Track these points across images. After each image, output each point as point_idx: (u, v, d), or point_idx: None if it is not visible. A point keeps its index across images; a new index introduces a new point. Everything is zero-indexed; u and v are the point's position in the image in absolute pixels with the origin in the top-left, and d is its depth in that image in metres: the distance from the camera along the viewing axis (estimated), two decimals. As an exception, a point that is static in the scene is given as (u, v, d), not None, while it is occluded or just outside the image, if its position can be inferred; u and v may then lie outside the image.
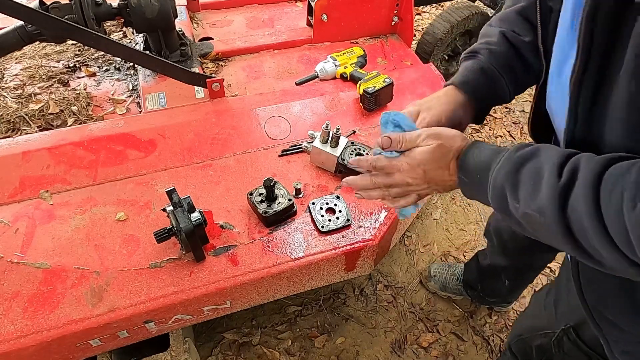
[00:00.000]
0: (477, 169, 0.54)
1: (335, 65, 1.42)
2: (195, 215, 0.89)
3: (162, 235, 0.91)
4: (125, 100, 1.39)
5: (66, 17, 1.19)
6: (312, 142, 1.13)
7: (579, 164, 0.43)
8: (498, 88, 0.71)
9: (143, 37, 1.47)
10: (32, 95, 1.39)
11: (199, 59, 1.47)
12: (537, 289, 1.45)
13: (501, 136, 2.14)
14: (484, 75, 0.70)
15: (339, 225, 1.02)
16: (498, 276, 1.37)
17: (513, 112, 2.25)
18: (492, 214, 1.32)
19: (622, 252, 0.38)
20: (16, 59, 1.54)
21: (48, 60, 1.54)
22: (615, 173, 0.39)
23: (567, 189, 0.42)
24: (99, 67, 1.52)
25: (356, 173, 1.11)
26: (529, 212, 0.45)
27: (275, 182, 1.01)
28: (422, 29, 2.53)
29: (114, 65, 1.52)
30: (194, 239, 0.89)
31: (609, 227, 0.38)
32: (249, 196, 1.04)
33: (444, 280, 1.58)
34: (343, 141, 1.12)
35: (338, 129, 1.08)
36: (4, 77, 1.47)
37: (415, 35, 2.10)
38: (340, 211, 1.05)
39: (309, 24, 1.66)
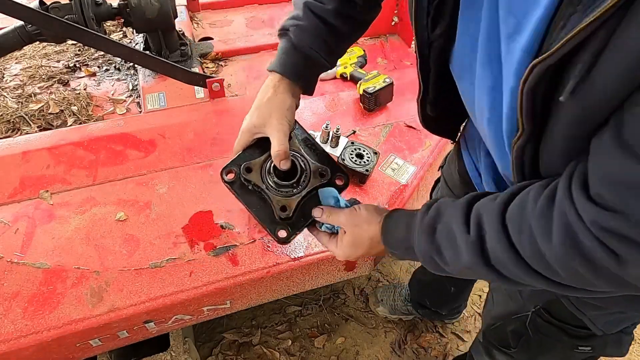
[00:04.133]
0: (401, 245, 0.59)
1: (335, 65, 1.42)
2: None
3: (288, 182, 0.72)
4: (125, 100, 1.39)
5: (66, 17, 1.19)
6: (312, 142, 1.13)
7: (480, 215, 0.48)
8: (316, 63, 0.73)
9: (143, 37, 1.47)
10: (32, 95, 1.39)
11: (199, 59, 1.47)
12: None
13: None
14: (298, 53, 0.71)
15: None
16: (442, 285, 1.33)
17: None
18: None
19: (545, 277, 0.44)
20: (16, 59, 1.54)
21: (48, 60, 1.54)
22: (514, 213, 0.44)
23: (482, 242, 0.48)
24: (99, 67, 1.52)
25: (353, 172, 1.12)
26: (461, 268, 0.52)
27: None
28: (422, 29, 2.52)
29: (114, 65, 1.52)
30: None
31: (531, 264, 0.44)
32: (249, 196, 1.03)
33: (392, 302, 1.53)
34: (343, 141, 1.12)
35: (338, 129, 1.08)
36: (4, 77, 1.47)
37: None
38: (340, 211, 1.05)
39: (309, 24, 1.66)
